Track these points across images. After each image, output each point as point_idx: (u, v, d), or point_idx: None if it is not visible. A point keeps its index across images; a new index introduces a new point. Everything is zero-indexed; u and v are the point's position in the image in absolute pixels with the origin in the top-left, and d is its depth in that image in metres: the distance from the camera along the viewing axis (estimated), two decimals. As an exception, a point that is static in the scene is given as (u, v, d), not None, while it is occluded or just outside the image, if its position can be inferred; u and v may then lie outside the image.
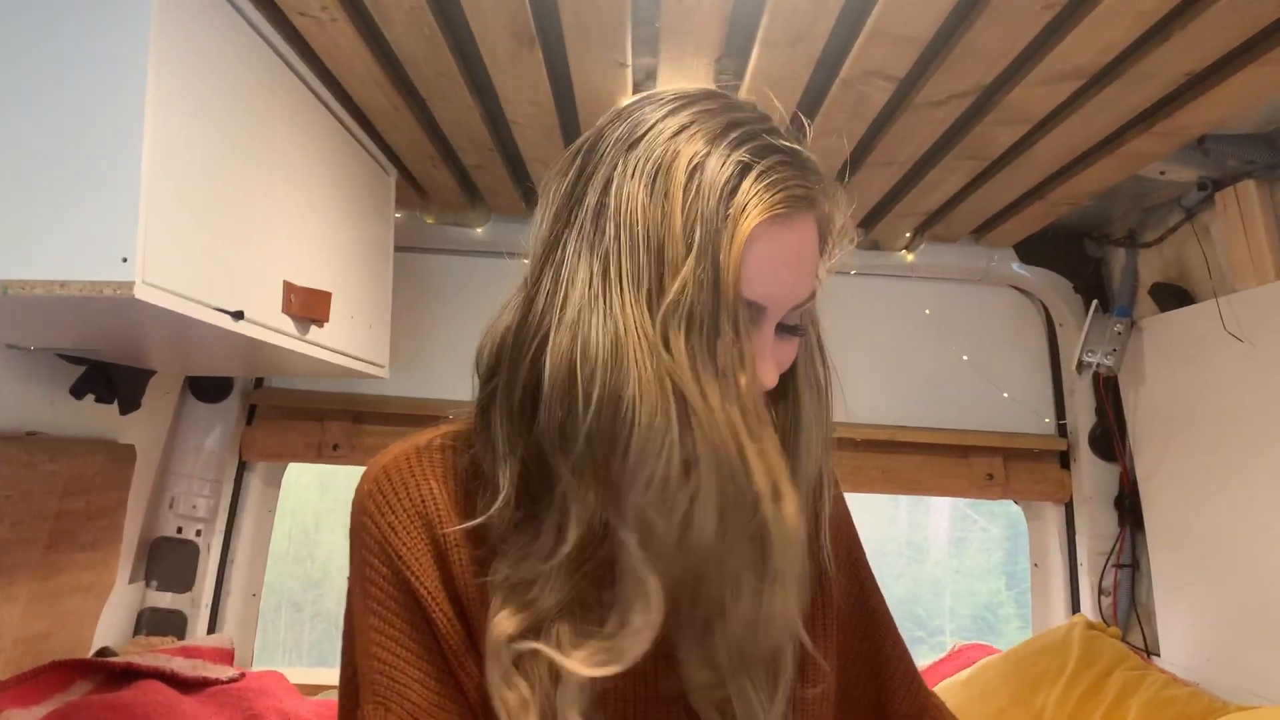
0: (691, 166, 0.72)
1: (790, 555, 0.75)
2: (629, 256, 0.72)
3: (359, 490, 0.85)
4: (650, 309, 0.72)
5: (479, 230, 2.35)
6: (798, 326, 0.80)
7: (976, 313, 2.44)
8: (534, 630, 0.76)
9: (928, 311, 2.41)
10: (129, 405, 1.89)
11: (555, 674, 0.75)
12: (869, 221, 2.20)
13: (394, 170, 2.02)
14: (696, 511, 0.72)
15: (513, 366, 0.78)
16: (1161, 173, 1.83)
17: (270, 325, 1.43)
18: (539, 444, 0.77)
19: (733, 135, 0.74)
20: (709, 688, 0.80)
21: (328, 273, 1.66)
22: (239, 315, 1.32)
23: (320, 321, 1.60)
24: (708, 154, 0.73)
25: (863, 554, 0.99)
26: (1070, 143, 1.65)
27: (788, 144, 0.76)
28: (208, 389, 2.31)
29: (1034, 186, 1.90)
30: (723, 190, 0.72)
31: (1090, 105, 1.48)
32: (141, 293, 1.08)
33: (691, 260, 0.71)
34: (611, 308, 0.73)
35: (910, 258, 2.34)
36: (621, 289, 0.72)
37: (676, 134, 0.74)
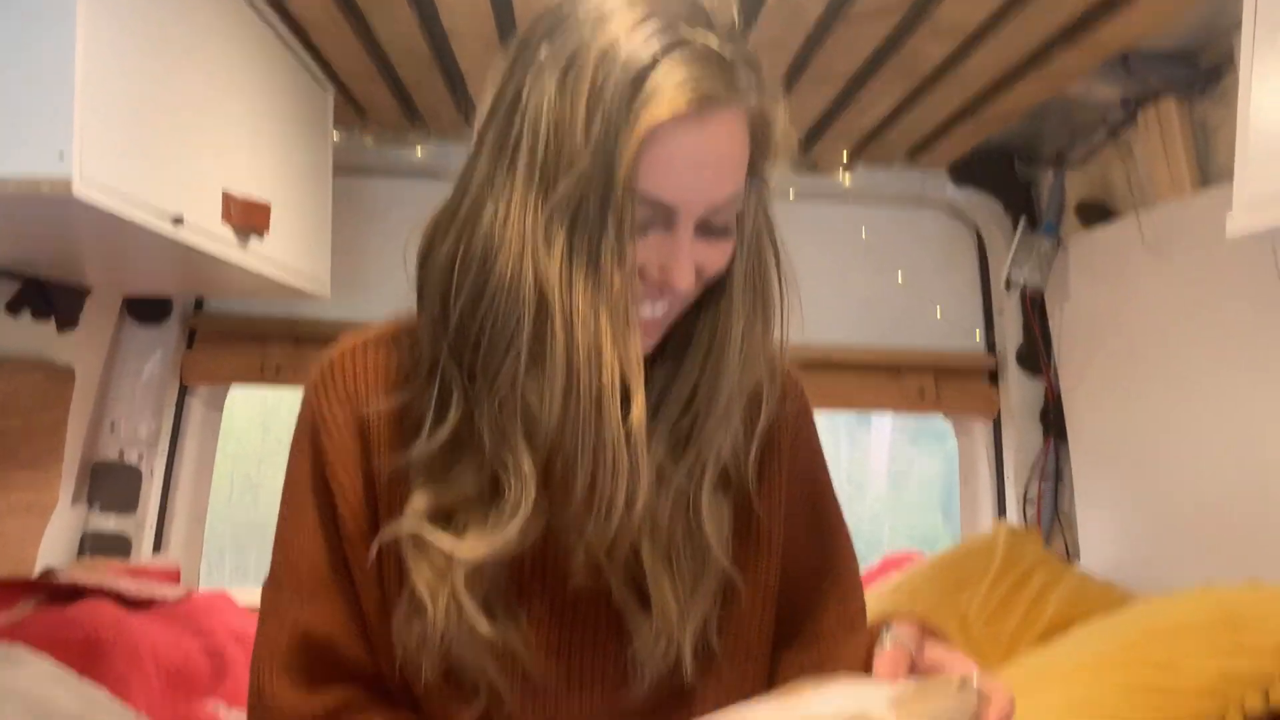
0: (602, 59, 0.71)
1: (624, 459, 0.74)
2: (529, 152, 0.72)
3: (308, 378, 0.88)
4: (540, 204, 0.72)
5: (419, 152, 2.34)
6: (727, 228, 0.78)
7: (910, 236, 2.50)
8: (448, 511, 0.78)
9: (864, 233, 2.46)
10: (66, 323, 1.87)
11: (449, 556, 0.77)
12: (806, 143, 2.24)
13: (331, 86, 2.00)
14: (544, 403, 0.73)
15: (432, 256, 0.80)
16: (1087, 91, 1.89)
17: (210, 233, 1.44)
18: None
19: (651, 27, 0.71)
20: (599, 578, 0.81)
21: (266, 186, 1.66)
22: (179, 220, 1.32)
23: (260, 233, 1.60)
24: (621, 46, 0.71)
25: (818, 469, 0.96)
26: (999, 59, 1.69)
27: (709, 38, 0.73)
28: (146, 312, 2.29)
29: (965, 104, 1.95)
30: (630, 84, 0.70)
31: (1018, 19, 1.52)
32: (80, 190, 1.08)
33: (588, 154, 0.70)
34: (499, 203, 0.73)
35: (847, 180, 2.38)
36: (515, 184, 0.73)
37: (595, 25, 0.72)
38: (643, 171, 0.71)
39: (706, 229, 0.76)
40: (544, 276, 0.72)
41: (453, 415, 0.78)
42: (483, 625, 0.77)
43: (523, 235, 0.72)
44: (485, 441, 0.77)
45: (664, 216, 0.74)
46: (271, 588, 0.86)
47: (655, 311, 0.78)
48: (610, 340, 0.72)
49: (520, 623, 0.82)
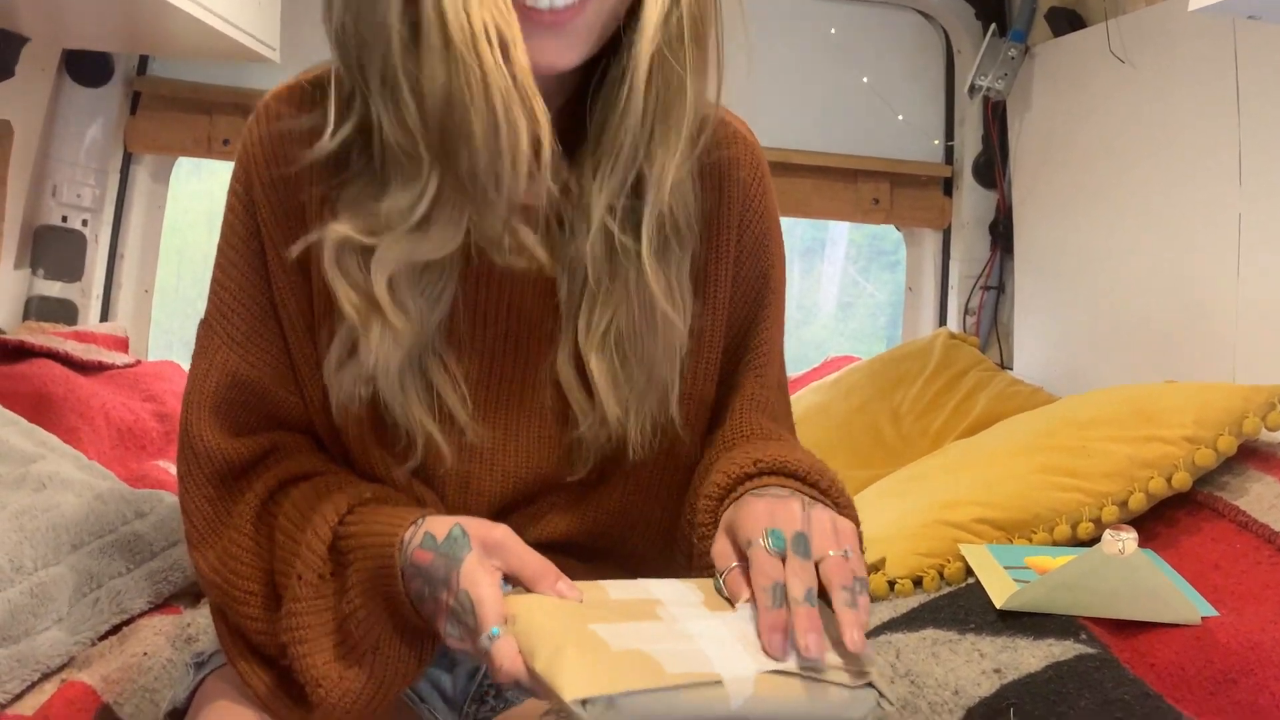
0: None
1: (515, 102, 0.71)
2: None
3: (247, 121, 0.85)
4: None
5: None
6: None
7: (879, 36, 2.45)
8: (373, 229, 0.76)
9: (833, 30, 2.41)
10: (2, 72, 1.80)
11: (368, 269, 0.77)
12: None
13: None
14: (426, 76, 0.70)
15: None
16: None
17: (152, -27, 1.37)
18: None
19: None
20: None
21: (212, -69, 1.58)
22: (118, -47, 1.26)
23: (205, -19, 1.53)
24: None
25: (771, 240, 0.93)
26: None
27: None
28: (87, 73, 2.19)
29: (946, -107, 1.88)
30: None
31: None
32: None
33: None
34: None
35: (820, -29, 2.32)
36: None
37: None
38: None
39: None
40: None
41: (353, 118, 0.76)
42: (409, 328, 0.77)
43: None
44: (387, 137, 0.74)
45: None
46: (204, 329, 0.86)
47: (556, 3, 0.72)
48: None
49: (459, 360, 0.83)
